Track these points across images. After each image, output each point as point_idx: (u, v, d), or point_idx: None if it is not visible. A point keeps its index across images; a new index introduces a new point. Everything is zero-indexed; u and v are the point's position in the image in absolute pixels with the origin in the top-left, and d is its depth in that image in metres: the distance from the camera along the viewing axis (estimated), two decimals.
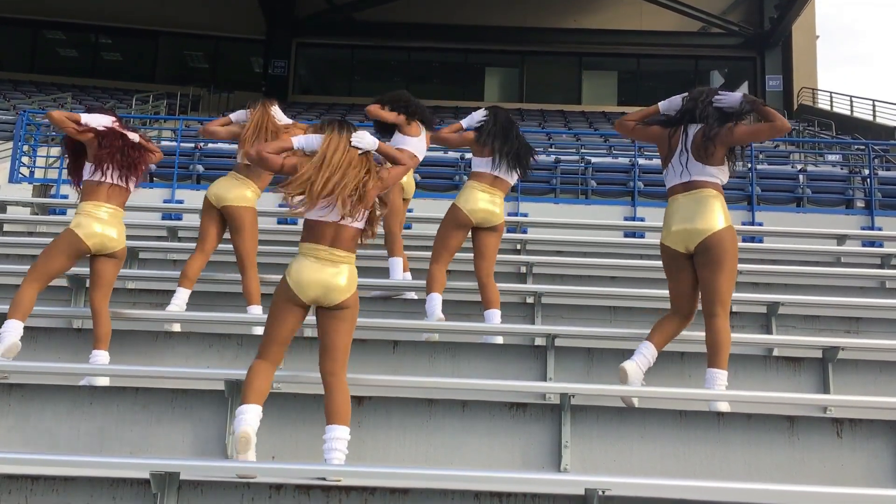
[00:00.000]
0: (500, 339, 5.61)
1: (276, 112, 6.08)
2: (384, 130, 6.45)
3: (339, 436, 3.84)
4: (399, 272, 6.51)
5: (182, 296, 5.89)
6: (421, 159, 6.51)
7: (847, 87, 63.62)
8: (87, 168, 5.21)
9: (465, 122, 5.92)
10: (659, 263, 7.48)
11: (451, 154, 12.19)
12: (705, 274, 4.71)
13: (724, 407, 4.53)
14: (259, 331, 5.62)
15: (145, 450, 4.36)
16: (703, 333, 4.77)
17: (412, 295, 6.49)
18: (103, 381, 4.84)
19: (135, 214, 9.14)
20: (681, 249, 4.80)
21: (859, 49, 63.51)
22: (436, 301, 5.69)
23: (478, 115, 5.90)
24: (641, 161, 11.95)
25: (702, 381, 4.79)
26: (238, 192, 5.95)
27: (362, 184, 4.00)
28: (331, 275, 3.97)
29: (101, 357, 5.06)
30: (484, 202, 5.71)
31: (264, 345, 4.07)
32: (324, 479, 3.62)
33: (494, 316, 5.70)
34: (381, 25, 25.29)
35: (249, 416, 3.85)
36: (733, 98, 4.79)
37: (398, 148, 6.39)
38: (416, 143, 6.39)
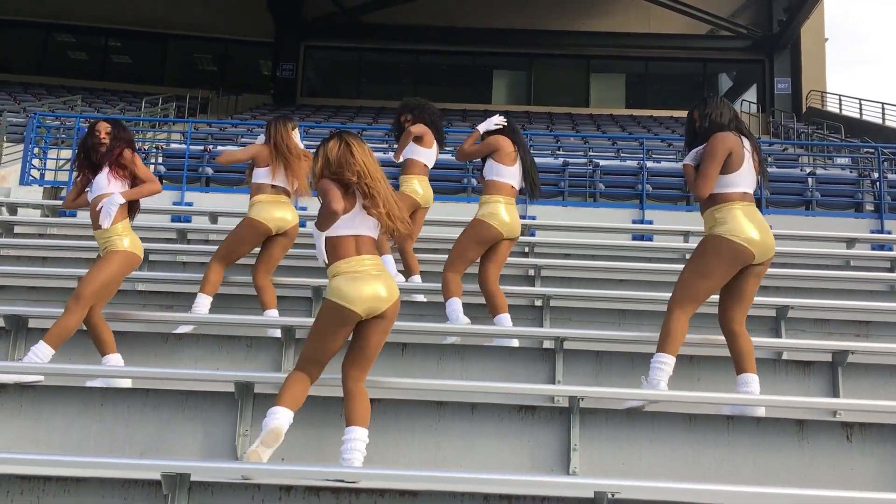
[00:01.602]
0: (515, 342, 5.61)
1: (294, 135, 5.95)
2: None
3: (360, 437, 3.88)
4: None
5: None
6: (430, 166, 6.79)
7: (856, 88, 63.45)
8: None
9: (482, 127, 5.92)
10: (666, 266, 7.54)
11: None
12: (753, 288, 4.67)
13: (762, 412, 4.52)
14: (274, 333, 5.62)
15: (156, 451, 4.39)
16: (715, 337, 4.83)
17: (421, 297, 6.50)
18: (126, 383, 4.86)
19: (144, 217, 9.11)
20: (754, 258, 4.56)
21: (869, 50, 63.37)
22: (456, 305, 5.68)
23: (494, 119, 5.91)
24: (649, 164, 11.94)
25: (711, 384, 4.79)
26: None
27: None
28: (380, 284, 3.94)
29: (114, 359, 5.10)
30: (513, 215, 5.73)
31: (308, 364, 3.98)
32: (342, 480, 3.63)
33: (508, 319, 5.71)
34: (388, 28, 25.35)
35: (282, 416, 3.85)
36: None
37: (409, 159, 6.64)
38: (428, 154, 6.71)
